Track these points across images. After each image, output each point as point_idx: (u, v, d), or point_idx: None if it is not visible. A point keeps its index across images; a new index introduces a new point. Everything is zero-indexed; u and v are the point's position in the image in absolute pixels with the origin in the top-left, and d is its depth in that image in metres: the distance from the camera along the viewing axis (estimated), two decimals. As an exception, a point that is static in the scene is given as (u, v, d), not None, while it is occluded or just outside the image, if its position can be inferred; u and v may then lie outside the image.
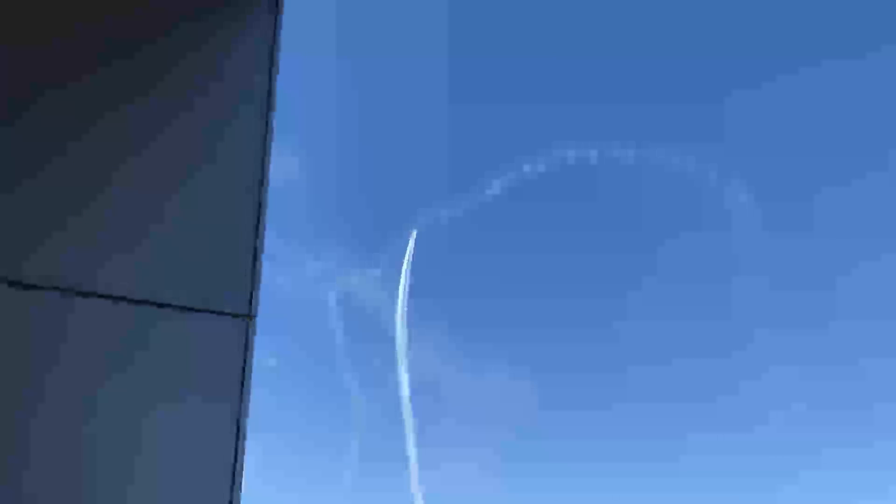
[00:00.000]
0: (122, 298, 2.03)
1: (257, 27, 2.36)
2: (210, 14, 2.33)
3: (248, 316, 2.12)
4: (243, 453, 2.03)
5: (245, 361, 2.08)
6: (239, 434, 2.03)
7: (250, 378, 2.08)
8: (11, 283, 1.95)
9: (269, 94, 2.30)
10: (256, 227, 2.18)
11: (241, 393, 2.05)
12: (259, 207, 2.20)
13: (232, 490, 2.00)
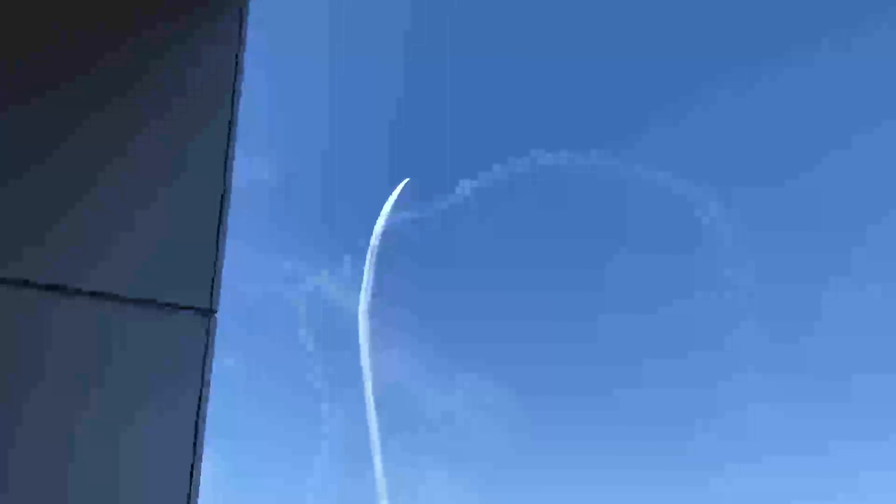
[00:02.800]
0: (79, 291, 2.03)
1: (223, 28, 2.37)
2: (175, 17, 2.34)
3: (209, 311, 2.11)
4: (201, 447, 2.03)
5: (205, 356, 2.07)
6: (198, 428, 2.03)
7: (210, 373, 2.07)
8: None
9: (234, 93, 2.31)
10: (219, 220, 2.17)
11: (201, 388, 2.05)
12: (222, 199, 2.19)
13: (190, 488, 2.00)
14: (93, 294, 2.03)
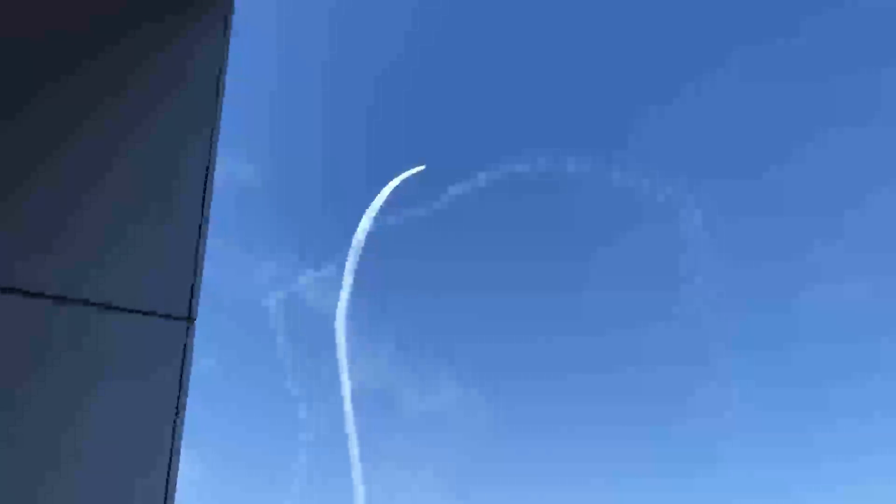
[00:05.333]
0: (61, 298, 2.03)
1: (207, 36, 2.36)
2: (159, 22, 2.33)
3: (188, 318, 2.12)
4: (178, 453, 2.04)
5: (183, 364, 2.08)
6: (175, 433, 2.04)
7: (188, 381, 2.08)
8: None
9: (217, 100, 2.31)
10: (199, 229, 2.18)
11: (179, 394, 2.06)
12: (202, 209, 2.20)
13: (166, 492, 2.01)
14: (71, 301, 2.04)
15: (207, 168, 2.23)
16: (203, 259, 2.17)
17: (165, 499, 2.01)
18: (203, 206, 2.20)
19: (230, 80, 2.41)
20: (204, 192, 2.21)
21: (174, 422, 2.04)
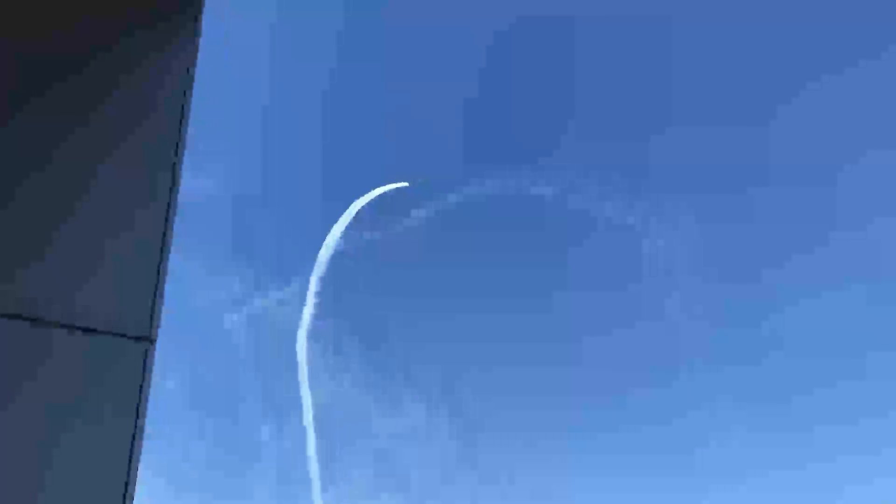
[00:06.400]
0: (17, 316, 2.00)
1: (173, 53, 2.35)
2: (125, 37, 2.32)
3: (148, 339, 2.10)
4: (136, 475, 2.01)
5: (142, 383, 2.06)
6: (132, 455, 2.01)
7: (147, 402, 2.05)
8: None
9: (182, 119, 2.30)
10: (161, 248, 2.16)
11: (136, 415, 2.03)
12: (165, 229, 2.18)
13: None
14: (33, 320, 2.01)
15: (171, 188, 2.21)
16: (165, 279, 2.15)
17: None
18: (166, 225, 2.18)
19: (197, 92, 2.40)
20: (167, 210, 2.19)
21: (132, 443, 2.01)
